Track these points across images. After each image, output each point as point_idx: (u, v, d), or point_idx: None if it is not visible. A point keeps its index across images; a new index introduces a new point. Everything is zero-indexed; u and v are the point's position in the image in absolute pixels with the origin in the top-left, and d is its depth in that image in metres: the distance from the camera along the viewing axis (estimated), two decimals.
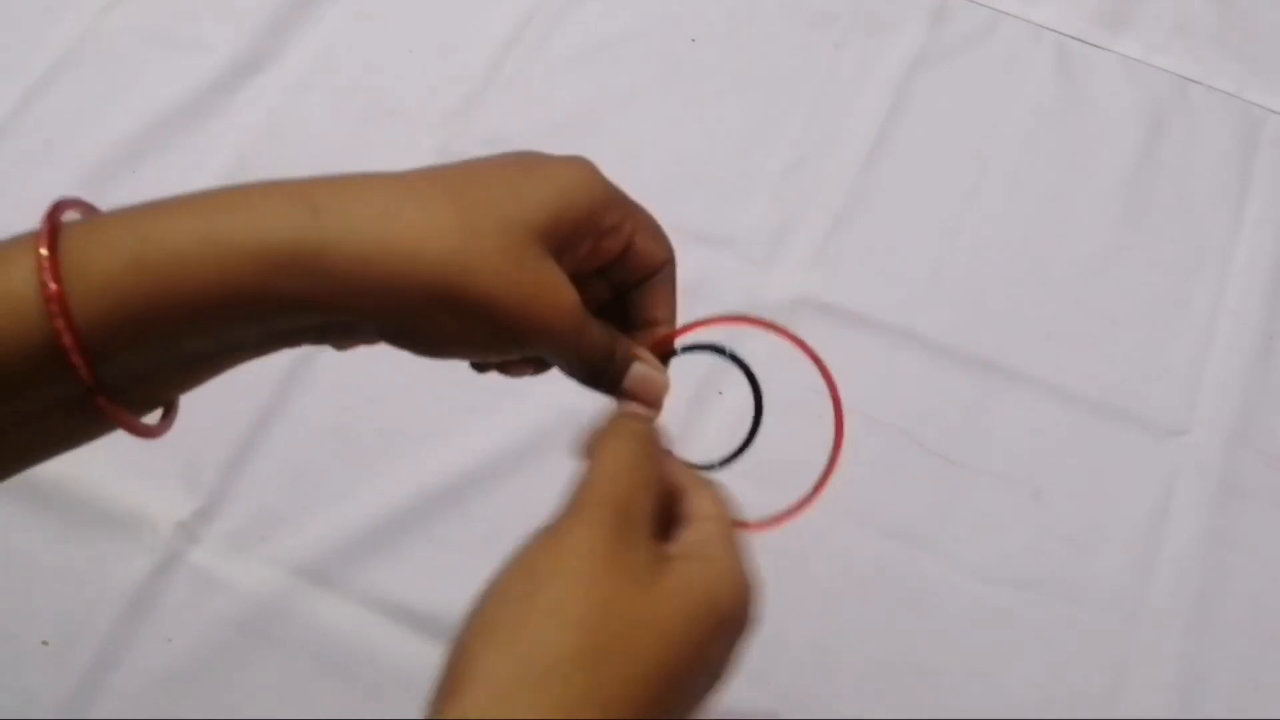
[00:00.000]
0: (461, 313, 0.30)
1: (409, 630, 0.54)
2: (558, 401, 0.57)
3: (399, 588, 0.55)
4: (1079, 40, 0.73)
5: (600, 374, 0.35)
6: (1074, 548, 0.57)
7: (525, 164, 0.33)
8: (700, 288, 0.62)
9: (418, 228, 0.30)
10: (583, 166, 0.34)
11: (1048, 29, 0.73)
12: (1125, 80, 0.71)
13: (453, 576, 0.55)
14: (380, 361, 0.60)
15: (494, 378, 0.39)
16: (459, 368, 0.38)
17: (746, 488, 0.57)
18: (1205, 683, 0.55)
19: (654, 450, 0.34)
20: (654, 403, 0.36)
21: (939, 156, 0.69)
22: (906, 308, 0.64)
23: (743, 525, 0.35)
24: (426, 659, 0.52)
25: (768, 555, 0.55)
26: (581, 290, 0.33)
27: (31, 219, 0.29)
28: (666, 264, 0.37)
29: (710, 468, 0.38)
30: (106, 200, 0.31)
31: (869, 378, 0.61)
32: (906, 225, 0.67)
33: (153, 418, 0.33)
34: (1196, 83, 0.71)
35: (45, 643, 0.53)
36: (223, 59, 0.69)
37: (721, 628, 0.31)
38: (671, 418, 0.65)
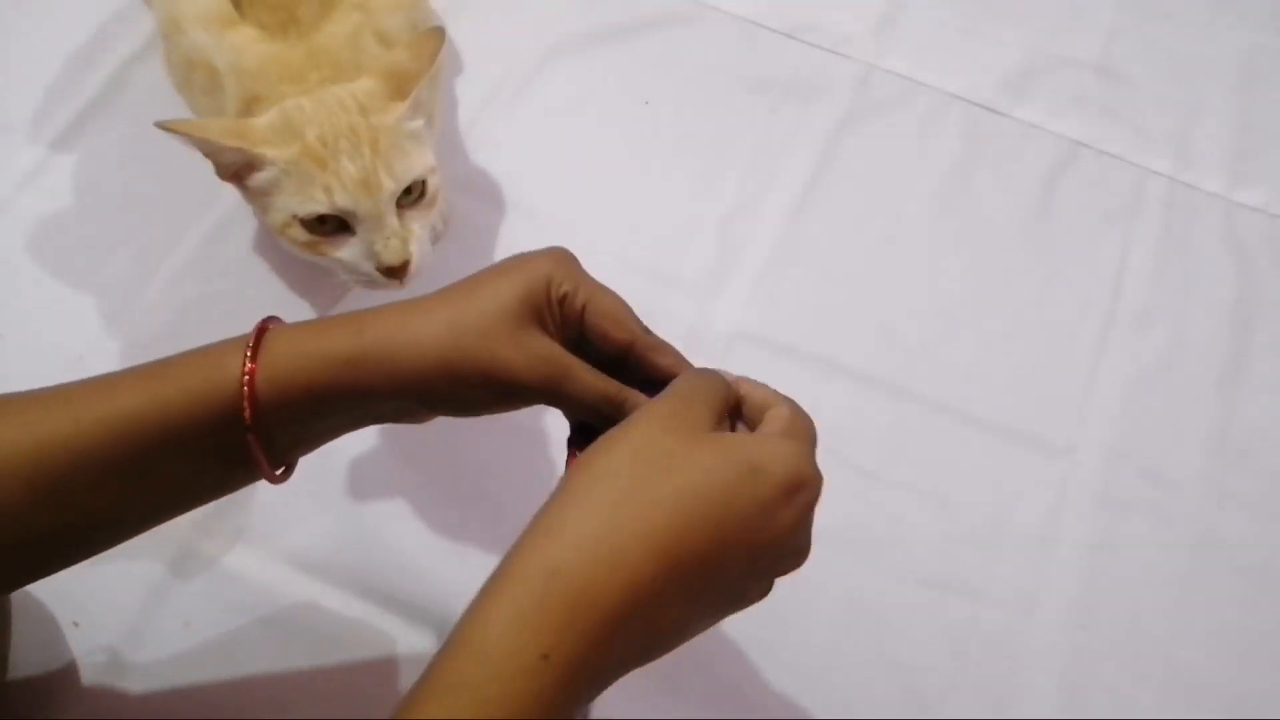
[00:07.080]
0: (462, 381, 0.39)
1: (397, 618, 0.57)
2: None
3: (392, 581, 0.57)
4: (985, 108, 0.76)
5: (607, 417, 0.40)
6: (976, 551, 0.60)
7: (507, 266, 0.42)
8: (649, 321, 0.66)
9: (423, 333, 0.40)
10: (550, 254, 0.42)
11: (958, 97, 0.76)
12: (1025, 143, 0.75)
13: (442, 571, 0.57)
14: None
15: None
16: None
17: None
18: (1089, 670, 0.57)
19: (717, 378, 0.39)
20: None
21: (860, 206, 0.72)
22: (830, 340, 0.66)
23: None
24: (413, 643, 0.55)
25: None
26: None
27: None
28: (632, 343, 0.42)
29: None
30: None
31: (798, 401, 0.65)
32: (831, 267, 0.69)
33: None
34: (1088, 146, 0.75)
35: (76, 624, 0.55)
36: None
37: (758, 486, 0.34)
38: None
